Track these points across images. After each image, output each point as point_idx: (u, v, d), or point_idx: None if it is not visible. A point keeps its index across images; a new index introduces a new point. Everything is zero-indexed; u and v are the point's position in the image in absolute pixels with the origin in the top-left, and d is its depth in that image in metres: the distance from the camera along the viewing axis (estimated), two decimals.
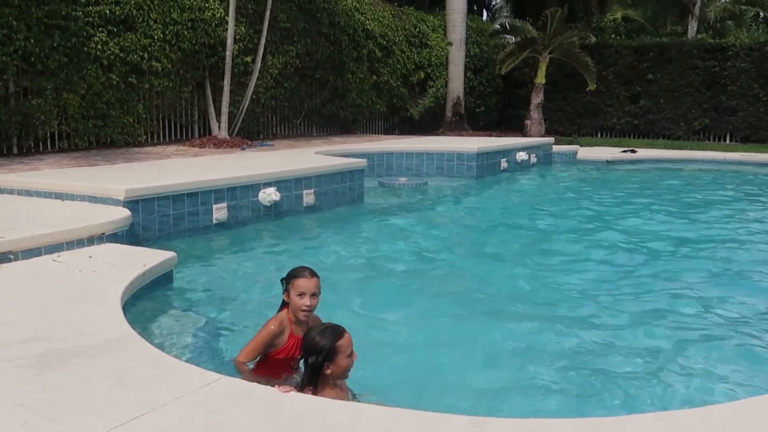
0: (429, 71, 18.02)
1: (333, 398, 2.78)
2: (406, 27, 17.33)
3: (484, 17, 28.14)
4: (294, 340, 3.41)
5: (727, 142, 18.36)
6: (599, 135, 19.78)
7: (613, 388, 3.47)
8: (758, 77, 17.87)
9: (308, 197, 7.78)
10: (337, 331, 2.95)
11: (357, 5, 15.64)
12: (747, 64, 17.96)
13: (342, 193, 8.46)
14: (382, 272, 5.73)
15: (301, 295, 3.38)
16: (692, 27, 21.50)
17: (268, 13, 12.22)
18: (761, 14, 24.08)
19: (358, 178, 8.81)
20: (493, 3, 29.81)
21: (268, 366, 3.42)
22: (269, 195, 7.12)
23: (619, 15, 24.36)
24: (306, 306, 3.39)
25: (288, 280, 3.46)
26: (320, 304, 3.50)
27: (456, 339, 4.19)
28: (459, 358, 3.88)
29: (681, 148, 16.25)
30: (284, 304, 3.52)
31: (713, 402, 3.10)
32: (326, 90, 14.69)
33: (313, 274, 3.46)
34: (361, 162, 8.99)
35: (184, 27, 11.30)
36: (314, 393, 2.82)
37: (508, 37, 20.59)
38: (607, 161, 14.01)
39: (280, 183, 7.34)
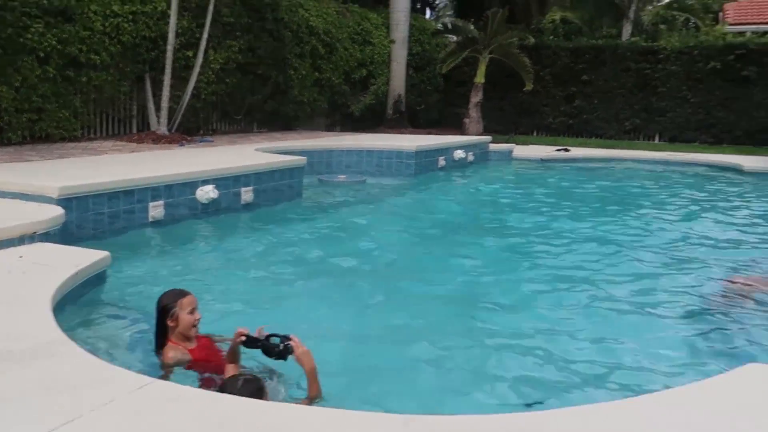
0: (371, 68, 18.12)
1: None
2: (350, 24, 17.38)
3: (428, 15, 28.36)
4: (196, 352, 3.50)
5: (657, 141, 19.10)
6: (536, 134, 20.30)
7: (551, 383, 3.68)
8: (687, 80, 18.59)
9: (246, 195, 7.81)
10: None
11: (301, 1, 15.60)
12: (677, 66, 18.65)
13: (281, 191, 8.51)
14: (317, 268, 5.84)
15: (192, 310, 3.51)
16: (627, 30, 22.16)
17: (211, 7, 12.08)
18: (691, 20, 24.92)
19: (297, 175, 8.88)
20: (437, 2, 30.08)
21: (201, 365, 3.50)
22: (207, 193, 7.12)
23: (558, 17, 24.92)
24: (198, 319, 3.52)
25: (171, 305, 3.50)
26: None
27: (393, 334, 4.32)
28: (400, 354, 3.99)
29: (612, 147, 16.86)
30: (164, 335, 3.53)
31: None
32: (268, 86, 14.62)
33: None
34: (301, 159, 9.05)
35: (125, 20, 11.10)
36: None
37: (451, 36, 20.84)
38: (542, 159, 14.44)
39: (218, 180, 7.35)
